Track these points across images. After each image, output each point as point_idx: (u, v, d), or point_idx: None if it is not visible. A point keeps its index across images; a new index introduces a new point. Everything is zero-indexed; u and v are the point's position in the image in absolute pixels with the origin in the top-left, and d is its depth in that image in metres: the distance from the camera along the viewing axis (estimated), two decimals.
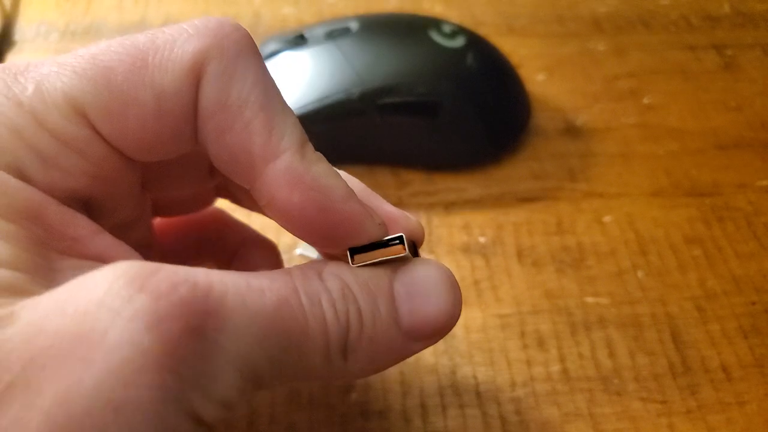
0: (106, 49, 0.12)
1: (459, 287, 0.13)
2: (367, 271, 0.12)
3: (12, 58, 0.31)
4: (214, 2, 0.35)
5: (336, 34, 0.27)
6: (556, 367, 0.21)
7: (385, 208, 0.15)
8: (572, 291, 0.23)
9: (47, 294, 0.10)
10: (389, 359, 0.13)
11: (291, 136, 0.12)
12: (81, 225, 0.11)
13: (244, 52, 0.12)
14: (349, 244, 0.12)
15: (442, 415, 0.20)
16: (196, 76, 0.11)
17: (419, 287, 0.12)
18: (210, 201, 0.18)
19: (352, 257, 0.12)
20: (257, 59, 0.12)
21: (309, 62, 0.26)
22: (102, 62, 0.11)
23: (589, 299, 0.23)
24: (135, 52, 0.11)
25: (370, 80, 0.25)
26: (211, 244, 0.18)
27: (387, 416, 0.20)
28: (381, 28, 0.27)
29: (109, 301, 0.09)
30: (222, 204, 0.20)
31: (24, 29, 0.33)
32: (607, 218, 0.26)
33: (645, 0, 0.37)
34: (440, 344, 0.22)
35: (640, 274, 0.24)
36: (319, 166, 0.12)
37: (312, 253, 0.24)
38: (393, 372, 0.21)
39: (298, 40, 0.27)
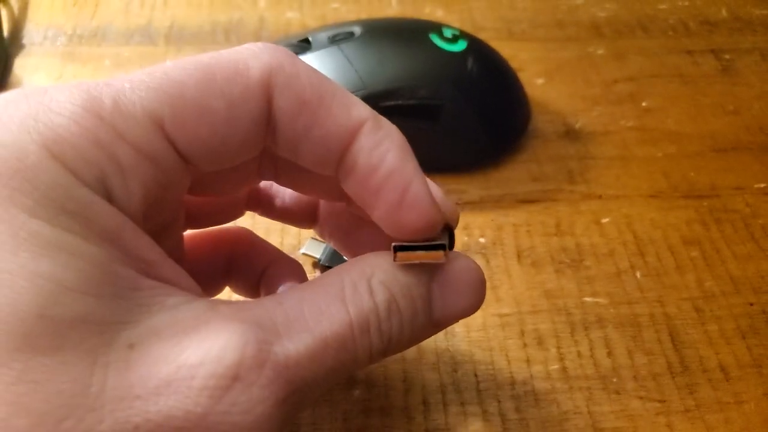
0: (174, 67, 0.12)
1: (485, 282, 0.14)
2: (411, 274, 0.13)
3: (20, 61, 0.32)
4: (219, 7, 0.36)
5: (340, 38, 0.27)
6: (555, 366, 0.22)
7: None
8: (571, 291, 0.24)
9: (139, 361, 0.11)
10: (416, 343, 0.14)
11: (364, 107, 0.13)
12: (152, 249, 0.12)
13: (295, 59, 0.13)
14: (405, 222, 0.13)
15: (443, 412, 0.20)
16: (264, 87, 0.12)
17: (454, 288, 0.14)
18: (240, 213, 0.19)
19: (395, 254, 0.13)
20: (303, 62, 0.13)
21: (313, 66, 0.27)
22: (174, 77, 0.12)
23: (588, 299, 0.24)
24: (203, 67, 0.12)
25: (372, 84, 0.26)
26: (239, 263, 0.19)
27: (389, 413, 0.20)
28: (384, 32, 0.28)
29: (209, 389, 0.11)
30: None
31: (32, 33, 0.33)
32: (605, 220, 0.26)
33: (644, 5, 0.37)
34: (442, 342, 0.22)
35: (638, 274, 0.24)
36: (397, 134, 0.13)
37: (316, 252, 0.24)
38: (395, 369, 0.21)
39: (303, 45, 0.28)
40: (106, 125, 0.11)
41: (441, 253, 0.13)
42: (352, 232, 0.18)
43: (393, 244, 0.13)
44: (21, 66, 0.32)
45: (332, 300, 0.13)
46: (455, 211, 0.16)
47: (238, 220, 0.20)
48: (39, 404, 0.10)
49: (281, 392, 0.11)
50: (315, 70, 0.13)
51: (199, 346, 0.11)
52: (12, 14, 0.34)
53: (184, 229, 0.18)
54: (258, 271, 0.19)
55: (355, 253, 0.19)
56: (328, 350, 0.12)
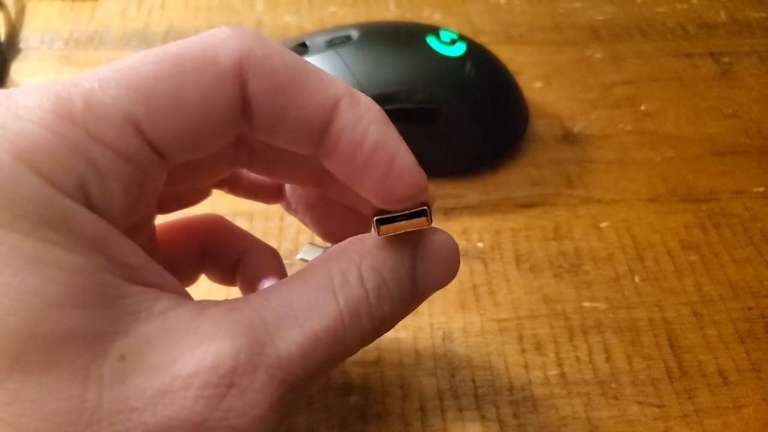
0: (142, 61, 0.12)
1: (459, 253, 0.15)
2: (395, 254, 0.14)
3: (17, 65, 0.32)
4: (216, 11, 0.36)
5: (337, 42, 0.27)
6: (553, 371, 0.22)
7: None
8: (570, 296, 0.24)
9: (133, 372, 0.11)
10: (402, 318, 0.14)
11: (340, 83, 0.13)
12: (135, 253, 0.12)
13: (267, 41, 0.13)
14: (395, 191, 0.13)
15: (440, 418, 0.20)
16: (236, 72, 0.12)
17: (435, 264, 0.14)
18: (207, 194, 0.19)
19: (378, 228, 0.13)
20: (276, 43, 0.13)
21: None
22: (144, 72, 0.12)
23: (587, 304, 0.24)
24: (171, 59, 0.12)
25: (370, 87, 0.26)
26: (213, 251, 0.19)
27: (386, 419, 0.20)
28: (381, 36, 0.28)
29: (205, 398, 0.11)
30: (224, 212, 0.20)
31: (29, 37, 0.33)
32: (604, 224, 0.26)
33: (642, 8, 0.37)
34: (439, 348, 0.22)
35: (637, 279, 0.24)
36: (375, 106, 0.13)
37: (313, 257, 0.24)
38: (393, 375, 0.21)
39: (300, 48, 0.28)
40: (80, 129, 0.11)
41: (425, 219, 0.13)
42: (318, 205, 0.18)
43: (375, 218, 0.13)
44: (18, 70, 0.32)
45: (321, 292, 0.13)
46: (430, 186, 0.16)
47: (236, 223, 0.20)
48: (36, 423, 0.10)
49: (275, 393, 0.12)
50: (286, 50, 0.13)
51: (193, 355, 0.11)
52: (9, 18, 0.34)
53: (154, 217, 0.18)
54: (233, 258, 0.19)
55: (322, 226, 0.19)
56: (320, 344, 0.12)
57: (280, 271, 0.18)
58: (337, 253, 0.14)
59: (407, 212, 0.13)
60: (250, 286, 0.18)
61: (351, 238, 0.14)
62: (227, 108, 0.12)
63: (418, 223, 0.13)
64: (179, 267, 0.18)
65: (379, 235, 0.13)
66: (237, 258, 0.18)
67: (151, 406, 0.11)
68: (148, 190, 0.13)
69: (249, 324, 0.12)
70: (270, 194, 0.19)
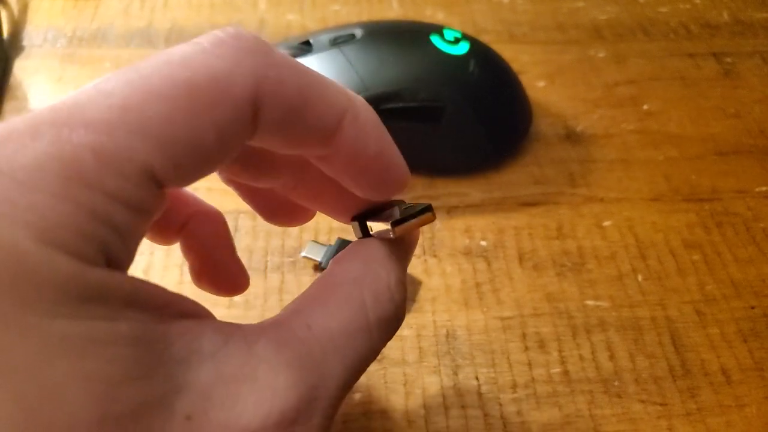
0: (148, 96, 0.11)
1: None
2: (403, 261, 0.15)
3: (20, 63, 0.32)
4: (219, 9, 0.36)
5: (341, 40, 0.27)
6: (557, 369, 0.22)
7: None
8: (573, 294, 0.24)
9: (203, 428, 0.11)
10: None
11: (342, 95, 0.13)
12: (162, 292, 0.12)
13: (277, 58, 0.12)
14: (389, 189, 0.15)
15: (444, 415, 0.20)
16: (251, 102, 0.12)
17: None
18: None
19: (393, 230, 0.14)
20: (279, 52, 0.13)
21: (314, 68, 0.26)
22: (156, 113, 0.11)
23: (590, 302, 0.24)
24: (184, 93, 0.11)
25: (374, 86, 0.26)
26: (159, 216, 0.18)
27: (390, 416, 0.20)
28: (385, 34, 0.28)
29: None
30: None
31: (32, 35, 0.33)
32: (607, 223, 0.26)
33: (645, 8, 0.37)
34: (443, 346, 0.22)
35: (639, 278, 0.24)
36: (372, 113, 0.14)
37: (317, 255, 0.24)
38: (396, 373, 0.21)
39: (304, 47, 0.28)
40: (95, 191, 0.10)
41: (431, 214, 0.14)
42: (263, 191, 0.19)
43: (390, 221, 0.14)
44: (21, 68, 0.32)
45: (355, 319, 0.13)
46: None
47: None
48: None
49: (324, 430, 0.12)
50: (294, 65, 0.13)
51: (258, 410, 0.11)
52: (12, 16, 0.34)
53: None
54: (178, 222, 0.18)
55: (260, 206, 0.18)
56: (356, 374, 0.13)
57: (228, 240, 0.18)
58: (365, 269, 0.14)
59: (416, 211, 0.14)
60: (198, 255, 0.18)
61: (358, 244, 0.15)
62: (241, 137, 0.12)
63: (428, 219, 0.14)
64: None
65: (393, 236, 0.14)
66: (182, 222, 0.18)
67: None
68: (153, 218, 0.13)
69: (302, 366, 0.12)
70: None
